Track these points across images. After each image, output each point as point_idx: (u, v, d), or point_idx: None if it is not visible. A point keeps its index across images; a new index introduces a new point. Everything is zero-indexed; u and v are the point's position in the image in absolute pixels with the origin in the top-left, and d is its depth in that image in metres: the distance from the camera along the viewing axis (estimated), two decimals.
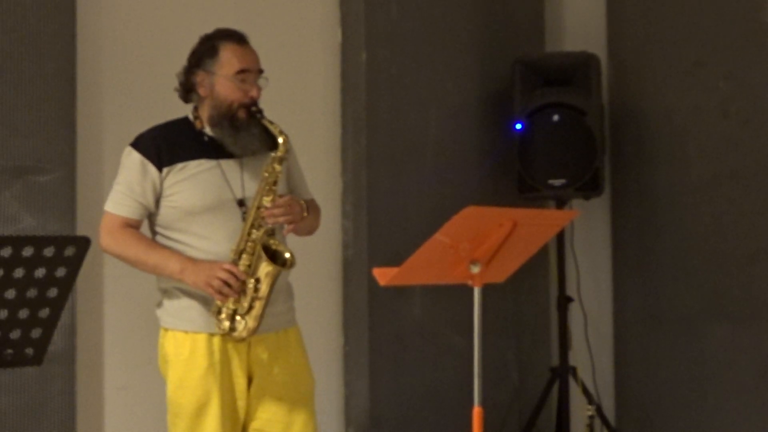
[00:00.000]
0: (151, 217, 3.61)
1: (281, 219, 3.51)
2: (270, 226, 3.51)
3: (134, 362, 4.51)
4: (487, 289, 3.29)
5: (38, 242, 2.89)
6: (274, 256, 3.49)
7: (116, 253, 3.59)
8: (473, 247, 3.22)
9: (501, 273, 3.40)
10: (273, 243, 3.52)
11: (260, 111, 3.56)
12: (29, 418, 4.20)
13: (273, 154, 3.54)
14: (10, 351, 2.93)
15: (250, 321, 3.47)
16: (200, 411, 3.49)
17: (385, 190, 5.06)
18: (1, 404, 4.14)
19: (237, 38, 3.62)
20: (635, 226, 5.42)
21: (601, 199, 5.46)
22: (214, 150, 3.58)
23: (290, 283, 3.69)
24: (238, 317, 3.47)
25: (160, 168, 3.53)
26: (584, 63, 5.31)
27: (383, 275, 3.31)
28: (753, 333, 4.99)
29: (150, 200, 3.55)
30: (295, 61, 4.95)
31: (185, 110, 3.73)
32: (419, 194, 5.13)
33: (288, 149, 3.58)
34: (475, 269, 3.25)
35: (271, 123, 3.55)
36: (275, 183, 3.54)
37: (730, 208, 5.07)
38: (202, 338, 3.52)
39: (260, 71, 3.61)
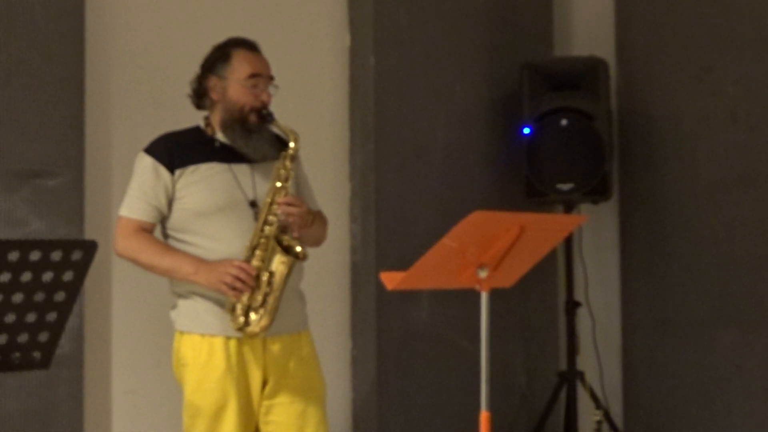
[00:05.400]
0: (163, 221, 3.65)
1: (294, 211, 3.54)
2: (282, 220, 3.54)
3: (142, 366, 4.51)
4: (494, 294, 3.29)
5: (46, 246, 2.89)
6: (287, 251, 3.54)
7: (131, 257, 3.63)
8: (481, 251, 3.21)
9: (509, 278, 3.40)
10: (285, 239, 3.56)
11: (270, 114, 3.63)
12: (37, 422, 4.20)
13: (284, 152, 3.60)
14: (17, 354, 2.93)
15: (264, 316, 3.50)
16: (218, 413, 3.54)
17: (393, 195, 5.06)
18: (8, 408, 4.14)
19: (248, 45, 3.72)
20: (644, 231, 5.41)
21: (609, 204, 5.45)
22: (225, 154, 3.64)
23: (302, 291, 3.73)
24: (252, 313, 3.51)
25: (172, 170, 3.59)
26: (593, 67, 5.30)
27: (391, 279, 3.31)
28: (762, 338, 4.98)
29: (163, 203, 3.60)
30: (304, 65, 4.95)
31: (193, 114, 3.74)
32: (427, 198, 5.13)
33: (299, 149, 3.62)
34: (483, 274, 3.25)
35: (282, 124, 3.62)
36: (287, 180, 3.59)
37: (738, 213, 5.06)
38: (218, 341, 3.56)
39: (271, 78, 3.70)
